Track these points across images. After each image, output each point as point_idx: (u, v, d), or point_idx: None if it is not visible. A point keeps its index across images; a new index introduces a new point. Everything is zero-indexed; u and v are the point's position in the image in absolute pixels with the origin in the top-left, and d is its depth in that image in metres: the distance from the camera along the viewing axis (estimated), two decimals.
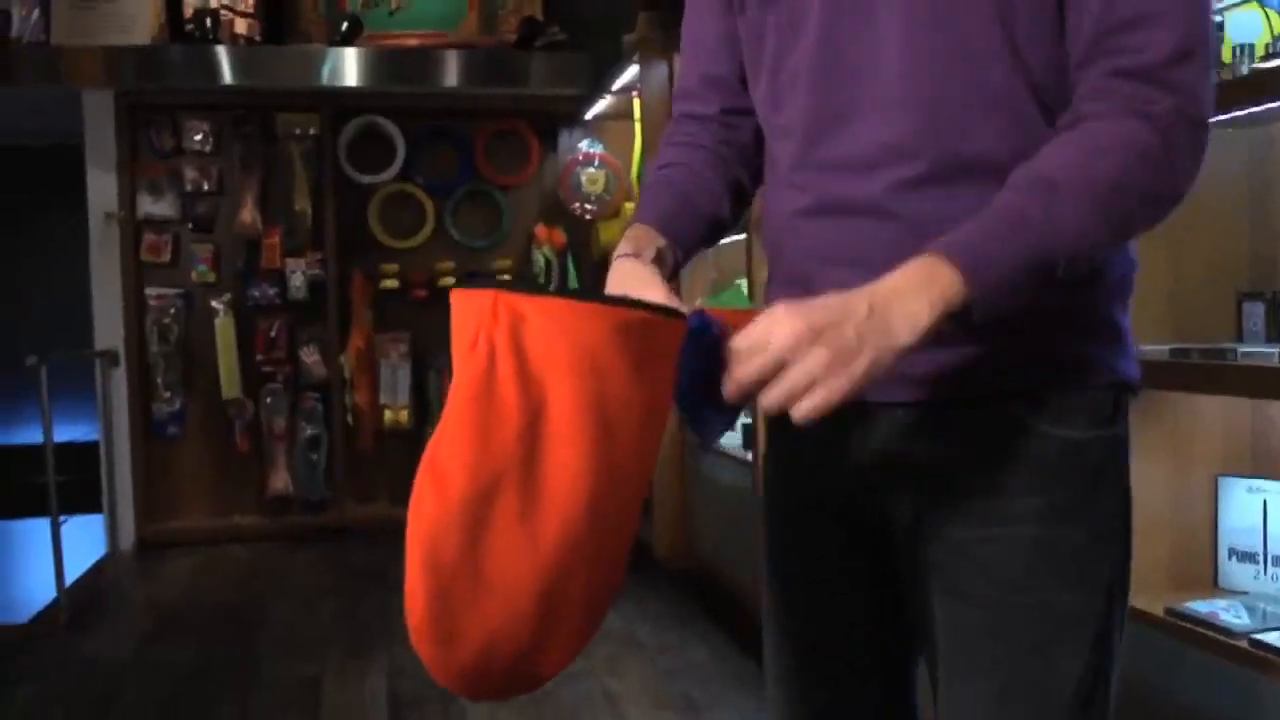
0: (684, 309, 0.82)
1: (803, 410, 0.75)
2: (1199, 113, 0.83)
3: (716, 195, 1.05)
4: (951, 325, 0.79)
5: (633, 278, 0.90)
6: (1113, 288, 0.94)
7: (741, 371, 0.77)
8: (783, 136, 0.98)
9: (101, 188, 4.54)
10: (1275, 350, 1.42)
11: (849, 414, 0.88)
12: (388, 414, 4.78)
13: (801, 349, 0.75)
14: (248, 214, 4.60)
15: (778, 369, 0.76)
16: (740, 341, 0.78)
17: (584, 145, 4.75)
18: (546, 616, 0.79)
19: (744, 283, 3.17)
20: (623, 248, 0.95)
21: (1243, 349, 1.47)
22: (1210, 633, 1.48)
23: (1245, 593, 1.61)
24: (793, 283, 0.97)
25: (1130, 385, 0.95)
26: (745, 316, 0.86)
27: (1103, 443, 0.93)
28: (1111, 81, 0.83)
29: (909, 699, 1.06)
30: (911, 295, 0.77)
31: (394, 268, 4.81)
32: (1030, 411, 0.90)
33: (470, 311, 0.78)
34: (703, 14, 1.07)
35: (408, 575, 0.78)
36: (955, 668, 0.95)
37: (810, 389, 0.75)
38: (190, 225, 4.66)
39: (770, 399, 0.76)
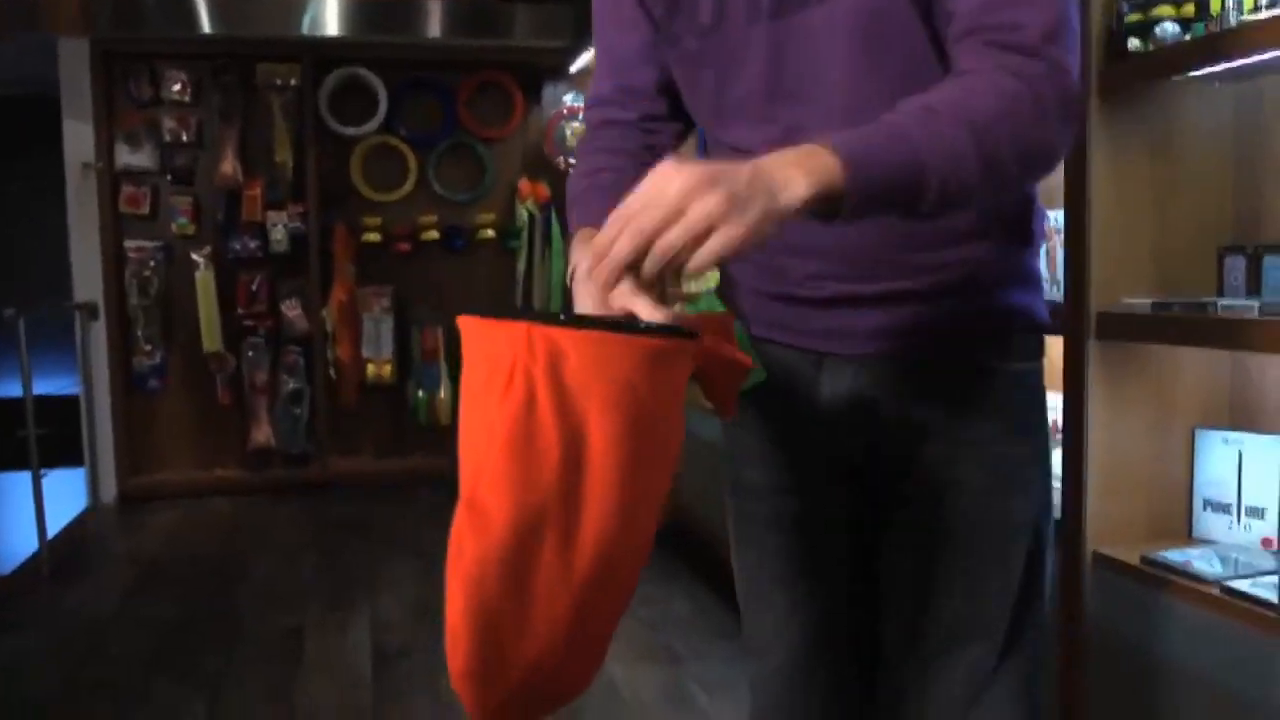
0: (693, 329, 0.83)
1: (703, 255, 0.75)
2: (1067, 80, 0.88)
3: None
4: (825, 210, 0.80)
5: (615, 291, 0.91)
6: (1035, 244, 1.07)
7: (640, 220, 0.75)
8: (735, 150, 1.03)
9: (78, 138, 4.47)
10: (1255, 303, 1.43)
11: (816, 369, 1.05)
12: (370, 368, 4.77)
13: (698, 193, 0.74)
14: (228, 165, 4.55)
15: (675, 216, 0.74)
16: (633, 200, 0.77)
17: (568, 99, 4.70)
18: (579, 643, 0.80)
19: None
20: (584, 255, 0.94)
21: (1223, 302, 1.48)
22: (1183, 580, 1.50)
23: (1218, 542, 1.63)
24: (764, 271, 1.07)
25: (1046, 327, 1.09)
26: (724, 321, 0.90)
27: (1037, 374, 1.08)
28: (987, 49, 0.88)
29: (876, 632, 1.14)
30: (793, 167, 0.78)
31: (376, 220, 4.78)
32: (982, 350, 1.03)
33: (498, 343, 0.76)
34: (619, 29, 1.10)
35: (450, 618, 0.77)
36: (921, 576, 1.06)
37: (706, 234, 0.74)
38: (169, 177, 4.60)
39: (667, 241, 0.74)
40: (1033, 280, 1.08)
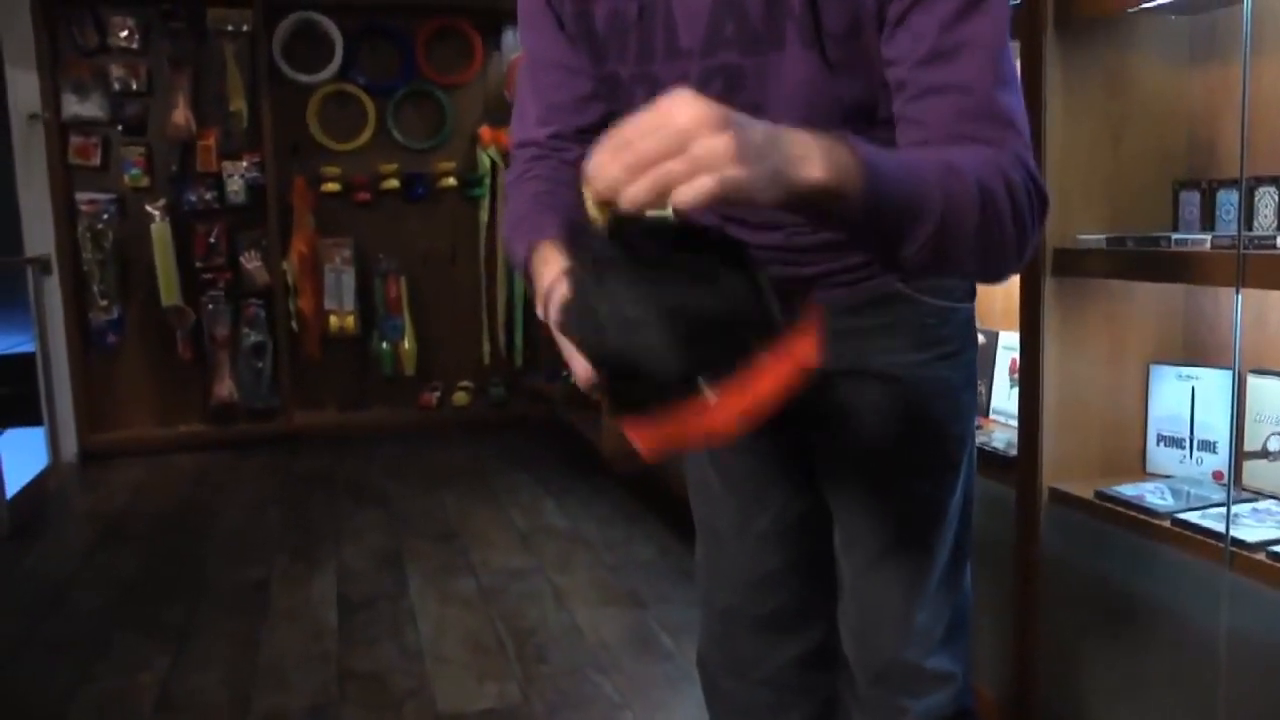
0: None
1: (696, 190, 0.66)
2: (1045, 207, 0.89)
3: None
4: (819, 207, 0.74)
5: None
6: None
7: (641, 147, 0.67)
8: None
9: (23, 87, 4.34)
10: (1207, 237, 1.43)
11: None
12: (333, 320, 4.72)
13: (709, 129, 0.66)
14: (180, 115, 4.45)
15: (679, 147, 0.66)
16: (632, 125, 0.68)
17: None
18: None
19: None
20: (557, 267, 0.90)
21: (1175, 236, 1.48)
22: (1136, 514, 1.52)
23: (1172, 476, 1.65)
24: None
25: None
26: None
27: (967, 311, 1.14)
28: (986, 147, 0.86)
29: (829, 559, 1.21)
30: (815, 147, 0.72)
31: (335, 170, 4.70)
32: (915, 288, 1.09)
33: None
34: (548, 69, 1.07)
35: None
36: (863, 490, 1.13)
37: (706, 171, 0.66)
38: (120, 127, 4.49)
39: (666, 169, 0.66)
40: None
